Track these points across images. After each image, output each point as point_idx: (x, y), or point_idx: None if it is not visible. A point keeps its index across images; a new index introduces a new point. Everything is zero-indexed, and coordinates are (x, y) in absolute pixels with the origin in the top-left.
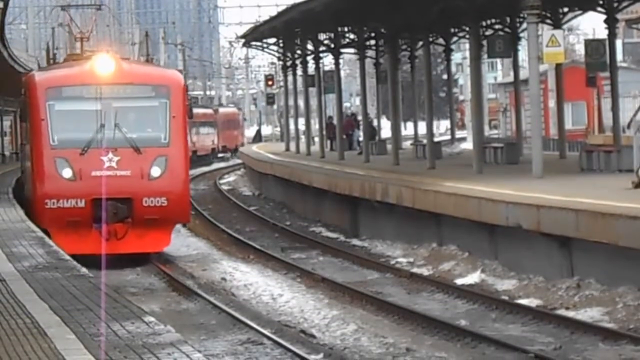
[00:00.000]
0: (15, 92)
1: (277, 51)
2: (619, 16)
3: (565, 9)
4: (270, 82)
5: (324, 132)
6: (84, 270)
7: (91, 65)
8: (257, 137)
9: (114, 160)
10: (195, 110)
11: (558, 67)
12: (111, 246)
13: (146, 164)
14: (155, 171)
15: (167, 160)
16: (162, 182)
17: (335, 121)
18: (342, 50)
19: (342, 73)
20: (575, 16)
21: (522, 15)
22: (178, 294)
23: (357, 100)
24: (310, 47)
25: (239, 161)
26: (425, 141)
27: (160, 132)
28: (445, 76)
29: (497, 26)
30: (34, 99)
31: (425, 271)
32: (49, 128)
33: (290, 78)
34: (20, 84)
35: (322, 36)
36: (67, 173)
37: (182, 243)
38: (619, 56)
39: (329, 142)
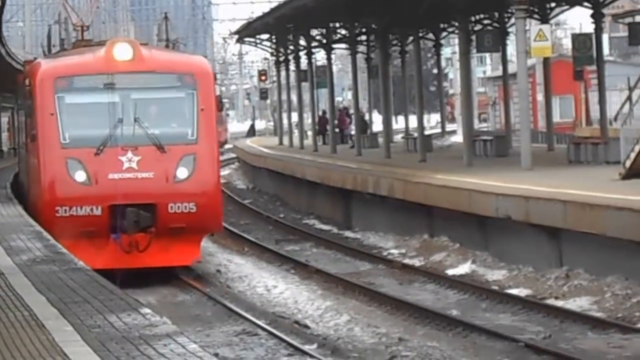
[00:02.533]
0: (12, 89)
1: (270, 47)
2: (605, 11)
3: (553, 4)
4: (263, 77)
5: (317, 126)
6: (80, 263)
7: (106, 52)
8: (251, 132)
9: (134, 160)
10: None
11: (546, 61)
12: (132, 260)
13: (171, 165)
14: (182, 172)
15: (195, 159)
16: (190, 185)
17: (327, 115)
18: (334, 45)
19: (334, 68)
20: (563, 11)
21: (510, 10)
22: (174, 286)
23: (349, 95)
24: (302, 42)
25: (233, 155)
26: (416, 134)
27: (187, 127)
28: (435, 70)
29: (485, 21)
30: (40, 90)
31: (416, 262)
32: (59, 124)
33: (283, 73)
34: (21, 76)
35: (314, 32)
36: (80, 176)
37: None
38: (606, 50)
39: (321, 135)
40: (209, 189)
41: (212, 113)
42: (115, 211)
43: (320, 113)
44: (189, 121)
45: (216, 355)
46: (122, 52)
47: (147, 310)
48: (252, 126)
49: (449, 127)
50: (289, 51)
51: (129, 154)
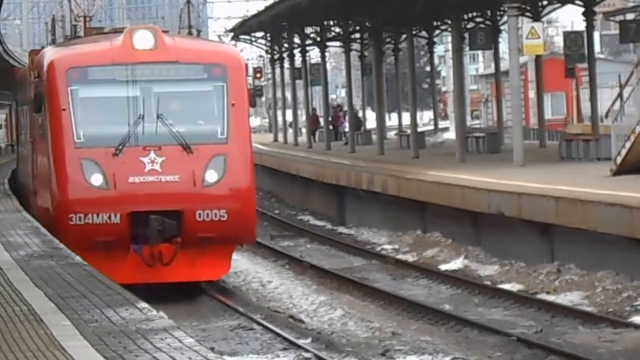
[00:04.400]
0: (10, 86)
1: (265, 44)
2: (597, 9)
3: (545, 2)
4: (258, 75)
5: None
6: (78, 258)
7: (124, 40)
8: None
9: (157, 161)
10: None
11: (538, 58)
12: (154, 274)
13: (199, 167)
14: (211, 176)
15: (225, 161)
16: (220, 189)
17: (318, 113)
18: (328, 43)
19: (328, 65)
20: (554, 9)
21: (502, 8)
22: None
23: (343, 92)
24: (297, 40)
25: None
26: (409, 131)
27: (217, 124)
28: (428, 68)
29: (478, 19)
30: (51, 83)
31: (410, 257)
32: (73, 121)
33: (277, 71)
34: (19, 70)
35: (308, 30)
36: (96, 179)
37: None
38: (597, 48)
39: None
40: (242, 194)
41: (244, 108)
42: (136, 219)
43: (311, 112)
44: (219, 118)
45: (212, 349)
46: (143, 40)
47: (144, 305)
48: None
49: (442, 124)
50: (283, 49)
51: (152, 155)
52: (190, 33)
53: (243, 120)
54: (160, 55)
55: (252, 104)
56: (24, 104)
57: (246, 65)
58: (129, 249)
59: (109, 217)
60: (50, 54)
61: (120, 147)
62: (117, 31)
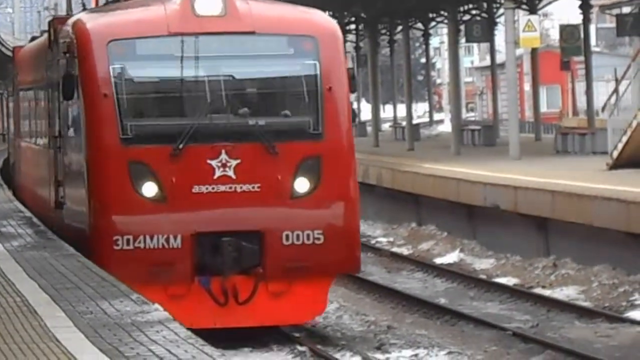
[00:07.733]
0: (3, 74)
1: None
2: (593, 2)
3: None
4: None
5: None
6: (72, 249)
7: (182, 4)
8: None
9: (230, 165)
10: None
11: (534, 51)
12: (227, 316)
13: (286, 172)
14: (302, 184)
15: (320, 164)
16: (315, 202)
17: None
18: None
19: None
20: (550, 2)
21: (498, 0)
22: None
23: None
24: None
25: None
26: (404, 123)
27: (308, 115)
28: (423, 60)
29: (474, 11)
30: (87, 60)
31: (405, 250)
32: (117, 110)
33: None
34: (31, 45)
35: None
36: (149, 189)
37: None
38: (593, 41)
39: None
40: (343, 208)
41: (343, 94)
42: (202, 243)
43: None
44: (311, 107)
45: (207, 341)
46: (208, 4)
47: (138, 297)
48: None
49: (437, 116)
50: None
51: (223, 156)
52: None
53: (342, 109)
54: (231, 23)
55: (353, 89)
56: (31, 87)
57: (344, 37)
58: (192, 282)
59: (167, 240)
60: (84, 21)
61: (180, 146)
62: None
